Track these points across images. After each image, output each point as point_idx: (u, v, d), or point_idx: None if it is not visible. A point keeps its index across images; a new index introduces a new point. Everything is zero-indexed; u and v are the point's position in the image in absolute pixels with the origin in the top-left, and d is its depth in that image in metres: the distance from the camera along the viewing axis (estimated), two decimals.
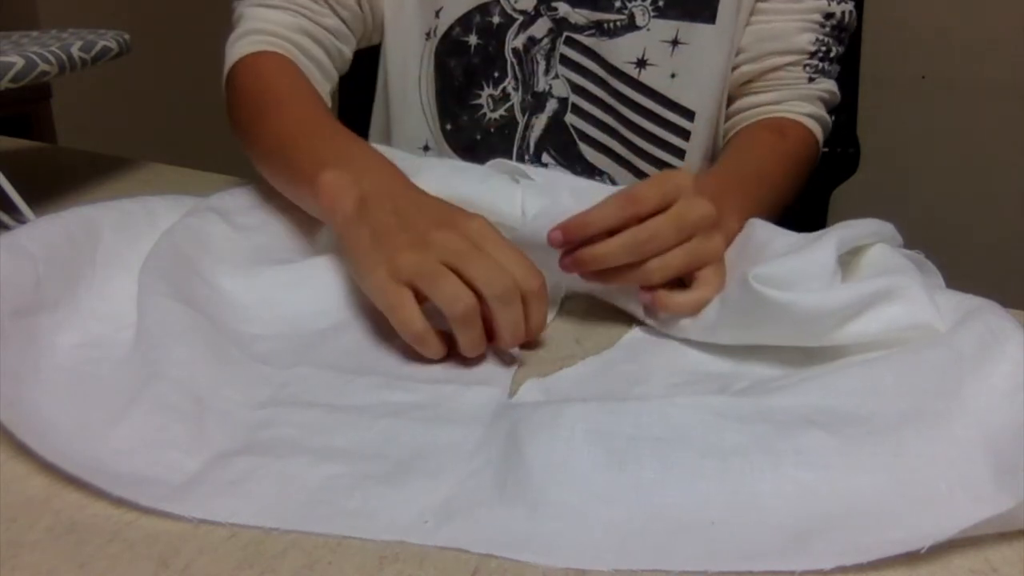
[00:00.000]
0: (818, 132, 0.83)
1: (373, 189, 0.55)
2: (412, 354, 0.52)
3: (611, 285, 0.57)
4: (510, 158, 0.80)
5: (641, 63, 0.79)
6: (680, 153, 0.82)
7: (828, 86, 0.83)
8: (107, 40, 0.73)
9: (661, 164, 0.82)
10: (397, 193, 0.56)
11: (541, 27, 0.79)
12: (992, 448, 0.40)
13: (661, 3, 0.77)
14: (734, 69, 0.82)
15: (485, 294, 0.49)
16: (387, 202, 0.55)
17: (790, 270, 0.50)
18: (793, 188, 0.78)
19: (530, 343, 0.54)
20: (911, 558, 0.35)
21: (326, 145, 0.62)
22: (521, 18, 0.80)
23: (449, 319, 0.49)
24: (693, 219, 0.55)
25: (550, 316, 0.58)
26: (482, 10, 0.80)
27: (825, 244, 0.51)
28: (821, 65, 0.81)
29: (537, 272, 0.51)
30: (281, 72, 0.72)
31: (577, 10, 0.78)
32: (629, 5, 0.78)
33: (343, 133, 0.63)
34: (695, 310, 0.54)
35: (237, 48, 0.74)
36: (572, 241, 0.54)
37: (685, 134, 0.81)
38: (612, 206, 0.54)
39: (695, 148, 0.81)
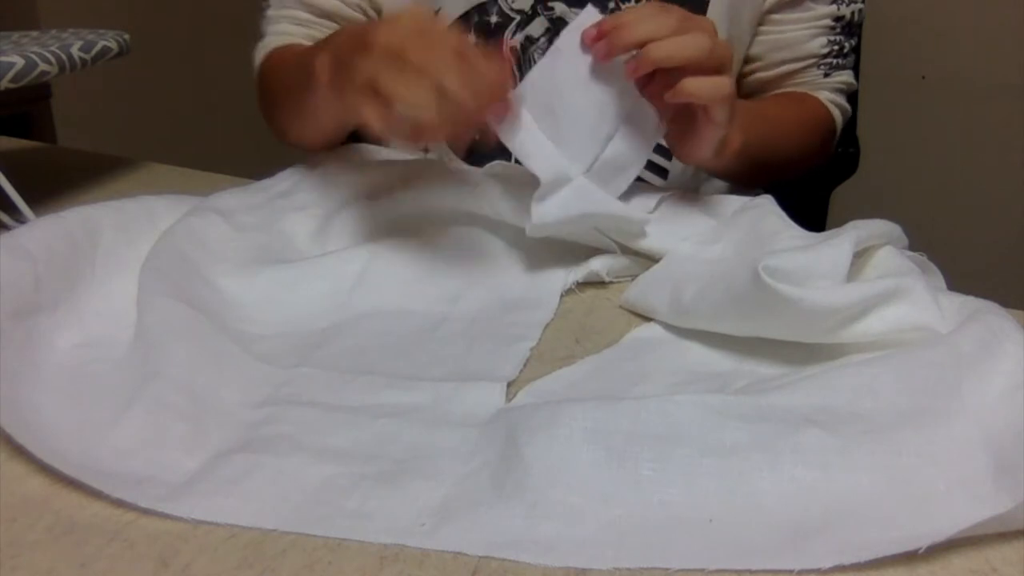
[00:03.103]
0: (835, 113, 0.85)
1: (342, 36, 0.61)
2: (412, 354, 0.52)
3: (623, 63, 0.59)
4: (508, 158, 0.81)
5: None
6: (668, 153, 0.82)
7: (844, 77, 0.85)
8: (107, 40, 0.73)
9: (650, 165, 0.82)
10: (351, 30, 0.61)
11: (538, 26, 0.79)
12: (992, 448, 0.40)
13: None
14: (748, 76, 0.85)
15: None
16: (352, 38, 0.58)
17: (803, 266, 0.50)
18: (799, 148, 0.81)
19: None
20: (910, 558, 0.35)
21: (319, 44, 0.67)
22: (518, 17, 0.80)
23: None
24: (715, 43, 0.58)
25: (549, 316, 0.58)
26: (480, 9, 0.80)
27: (840, 244, 0.51)
28: (835, 61, 0.84)
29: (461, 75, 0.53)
30: (295, 47, 0.80)
31: (573, 10, 0.78)
32: (623, 6, 0.78)
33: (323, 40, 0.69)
34: (709, 90, 0.58)
35: (260, 53, 0.83)
36: (606, 33, 0.58)
37: None
38: (645, 6, 0.58)
39: None
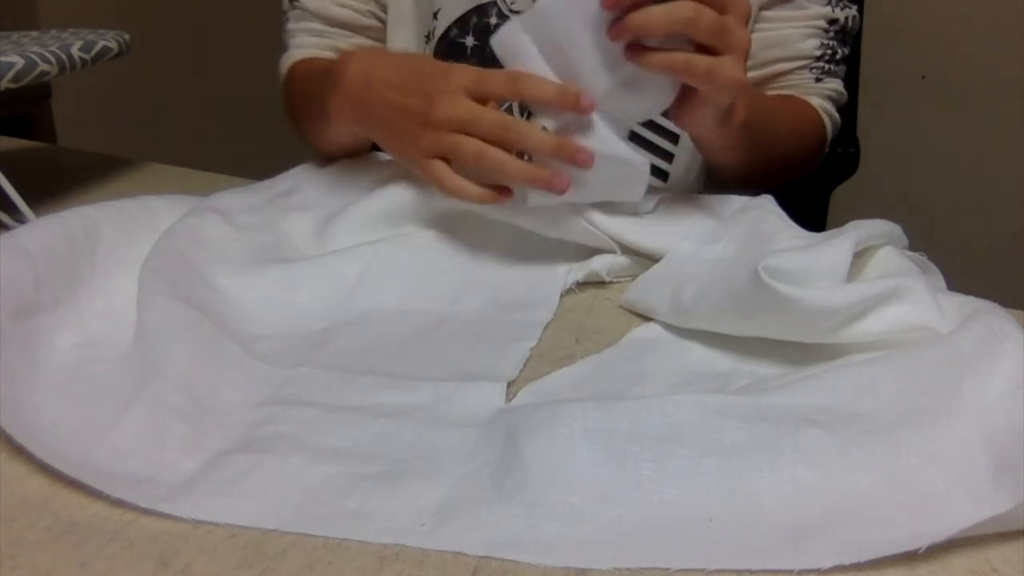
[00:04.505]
0: (826, 120, 0.84)
1: (356, 79, 0.67)
2: (412, 354, 0.52)
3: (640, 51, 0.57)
4: None
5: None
6: (669, 156, 0.82)
7: (835, 85, 0.84)
8: (107, 40, 0.73)
9: (651, 167, 0.82)
10: (389, 62, 0.66)
11: None
12: (992, 448, 0.40)
13: None
14: None
15: (493, 141, 0.58)
16: (385, 74, 0.65)
17: (803, 266, 0.50)
18: (793, 143, 0.80)
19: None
20: (910, 558, 0.35)
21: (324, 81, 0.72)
22: None
23: (481, 173, 0.60)
24: (715, 12, 0.57)
25: (549, 316, 0.58)
26: (479, 11, 0.80)
27: (841, 244, 0.51)
28: (827, 67, 0.83)
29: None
30: (316, 61, 0.84)
31: None
32: None
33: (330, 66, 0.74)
34: (701, 68, 0.57)
35: (284, 66, 0.87)
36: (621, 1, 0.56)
37: (674, 137, 0.81)
38: None
39: (684, 150, 0.82)
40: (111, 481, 0.38)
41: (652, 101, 0.61)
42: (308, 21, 0.86)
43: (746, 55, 0.59)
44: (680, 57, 0.57)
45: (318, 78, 0.75)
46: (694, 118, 0.62)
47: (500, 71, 0.60)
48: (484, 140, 0.59)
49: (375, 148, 0.77)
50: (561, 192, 0.59)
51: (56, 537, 0.36)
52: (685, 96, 0.61)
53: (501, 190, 0.60)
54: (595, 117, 0.59)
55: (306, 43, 0.86)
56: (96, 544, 0.36)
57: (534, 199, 0.61)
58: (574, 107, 0.58)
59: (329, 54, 0.85)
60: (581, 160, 0.58)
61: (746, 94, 0.65)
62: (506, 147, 0.59)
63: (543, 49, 0.59)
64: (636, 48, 0.57)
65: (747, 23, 0.59)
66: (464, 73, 0.60)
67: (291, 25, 0.87)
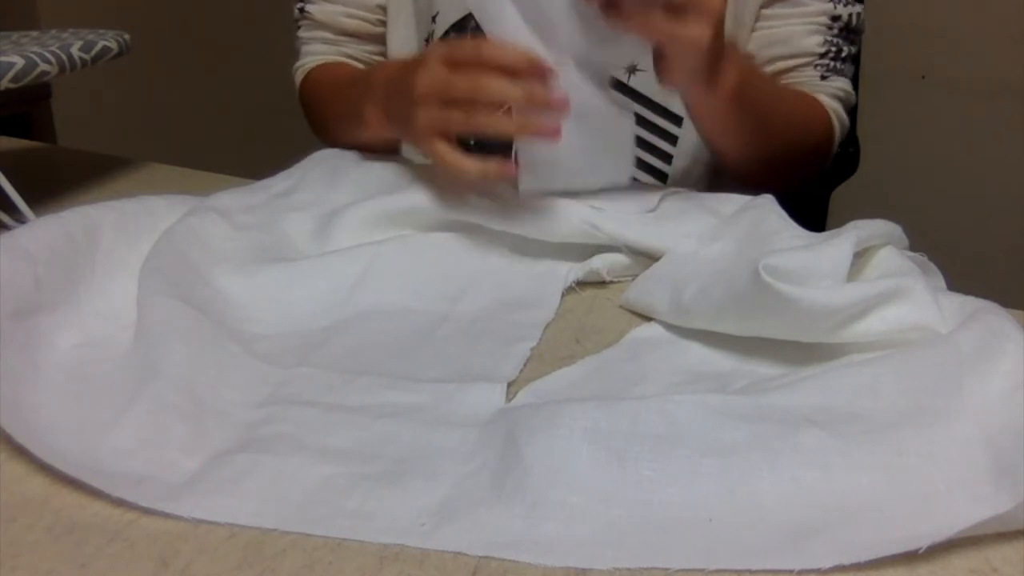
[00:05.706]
0: (834, 120, 0.82)
1: (382, 85, 0.71)
2: (412, 354, 0.52)
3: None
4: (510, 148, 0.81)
5: (632, 69, 0.79)
6: (668, 158, 0.82)
7: (842, 84, 0.82)
8: (107, 40, 0.73)
9: (650, 168, 0.82)
10: (389, 76, 0.70)
11: None
12: (992, 448, 0.40)
13: None
14: None
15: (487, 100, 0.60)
16: (395, 73, 0.69)
17: (803, 265, 0.50)
18: (792, 127, 0.78)
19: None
20: (910, 558, 0.35)
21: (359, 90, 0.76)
22: None
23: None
24: None
25: (550, 315, 0.57)
26: None
27: (841, 243, 0.51)
28: (833, 64, 0.80)
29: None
30: (334, 67, 0.88)
31: None
32: None
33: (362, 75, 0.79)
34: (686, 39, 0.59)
35: (299, 74, 0.90)
36: None
37: (672, 139, 0.81)
38: None
39: (682, 153, 0.81)
40: (111, 481, 0.38)
41: (626, 52, 0.64)
42: (320, 30, 0.88)
43: (716, 18, 0.60)
44: (641, 19, 0.59)
45: (350, 85, 0.78)
46: (671, 75, 0.63)
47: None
48: (461, 101, 0.60)
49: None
50: (554, 139, 0.59)
51: (56, 537, 0.36)
52: (660, 53, 0.63)
53: (501, 165, 0.62)
54: (570, 69, 0.61)
55: (318, 51, 0.88)
56: (96, 544, 0.36)
57: (525, 182, 0.61)
58: (538, 75, 0.59)
59: (346, 61, 0.88)
60: (556, 104, 0.59)
61: (741, 65, 0.65)
62: (482, 103, 0.60)
63: (520, 6, 0.61)
64: (609, 7, 0.59)
65: None
66: (438, 45, 0.65)
67: (303, 34, 0.89)
